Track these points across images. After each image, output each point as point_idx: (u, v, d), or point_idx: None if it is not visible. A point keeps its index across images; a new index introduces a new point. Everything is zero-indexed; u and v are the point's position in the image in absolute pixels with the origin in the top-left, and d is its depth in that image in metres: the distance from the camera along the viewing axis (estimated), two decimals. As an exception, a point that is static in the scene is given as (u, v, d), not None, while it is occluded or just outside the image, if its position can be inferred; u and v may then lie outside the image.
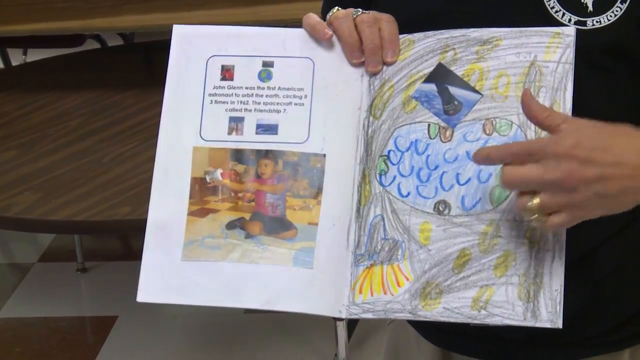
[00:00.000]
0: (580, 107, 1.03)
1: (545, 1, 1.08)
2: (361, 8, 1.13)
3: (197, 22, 2.37)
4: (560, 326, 0.99)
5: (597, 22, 1.07)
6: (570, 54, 1.04)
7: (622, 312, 1.17)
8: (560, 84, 1.03)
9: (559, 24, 1.07)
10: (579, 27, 1.06)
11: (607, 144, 0.93)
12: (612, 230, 1.12)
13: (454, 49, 1.08)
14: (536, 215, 0.95)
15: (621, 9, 1.06)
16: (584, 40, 1.05)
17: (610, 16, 1.06)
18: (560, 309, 0.99)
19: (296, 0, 2.36)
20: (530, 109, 0.97)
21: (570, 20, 1.07)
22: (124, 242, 3.44)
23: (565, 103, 1.03)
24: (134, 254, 3.33)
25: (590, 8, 1.07)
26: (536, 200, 0.94)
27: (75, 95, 2.38)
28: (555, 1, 1.07)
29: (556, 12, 1.08)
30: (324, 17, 1.17)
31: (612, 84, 1.09)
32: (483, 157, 0.98)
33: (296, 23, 1.16)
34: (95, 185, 2.07)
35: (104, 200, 1.99)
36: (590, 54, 1.07)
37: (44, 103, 2.36)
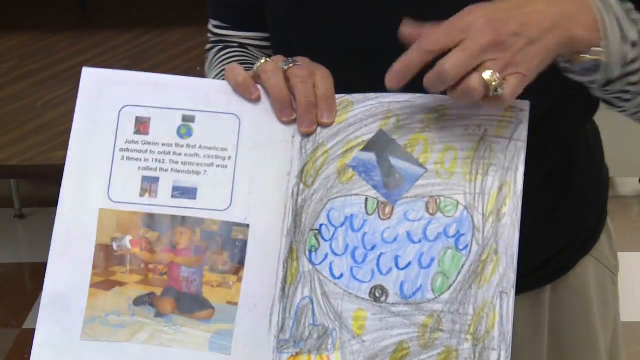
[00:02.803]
0: None
1: None
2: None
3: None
4: None
5: None
6: (523, 131, 0.95)
7: (543, 252, 1.18)
8: (511, 163, 0.95)
9: None
10: None
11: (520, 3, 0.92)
12: (538, 176, 1.09)
13: (397, 115, 0.98)
14: (494, 84, 0.89)
15: None
16: None
17: None
18: None
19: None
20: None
21: None
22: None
23: (516, 185, 0.94)
24: (71, 200, 3.45)
25: None
26: (486, 73, 0.88)
27: (6, 37, 2.34)
28: None
29: None
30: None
31: None
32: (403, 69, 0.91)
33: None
34: (29, 129, 2.05)
35: (38, 145, 1.98)
36: None
37: (-27, 45, 2.37)
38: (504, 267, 0.92)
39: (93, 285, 0.97)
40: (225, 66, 1.18)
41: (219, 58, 1.20)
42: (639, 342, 2.56)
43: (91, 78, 1.01)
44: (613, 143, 2.71)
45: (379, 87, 0.95)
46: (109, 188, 0.98)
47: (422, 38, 0.91)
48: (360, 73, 0.99)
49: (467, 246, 0.93)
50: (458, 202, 0.94)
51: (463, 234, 0.94)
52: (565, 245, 1.22)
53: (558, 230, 1.20)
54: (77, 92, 0.96)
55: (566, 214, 1.20)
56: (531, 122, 0.97)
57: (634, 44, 0.95)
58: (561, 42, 0.91)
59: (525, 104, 0.96)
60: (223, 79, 1.04)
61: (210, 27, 1.24)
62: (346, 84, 1.00)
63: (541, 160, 1.06)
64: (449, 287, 0.93)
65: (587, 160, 1.22)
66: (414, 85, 0.95)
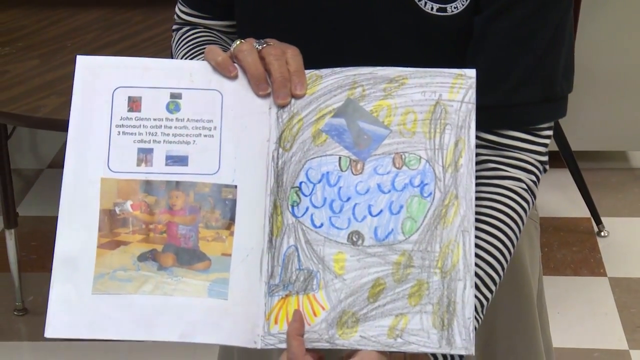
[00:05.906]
0: None
1: None
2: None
3: None
4: (473, 353, 1.04)
5: (455, 7, 1.16)
6: (472, 95, 1.10)
7: None
8: (464, 122, 1.09)
9: (422, 11, 1.16)
10: (442, 13, 1.15)
11: None
12: None
13: (362, 85, 1.12)
14: None
15: None
16: (447, 26, 1.15)
17: (463, 2, 1.16)
18: (472, 336, 1.04)
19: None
20: None
21: (432, 8, 1.16)
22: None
23: (469, 140, 1.09)
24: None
25: None
26: None
27: (86, 12, 2.51)
28: None
29: (419, 0, 1.16)
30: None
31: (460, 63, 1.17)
32: None
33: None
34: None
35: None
36: (452, 38, 1.16)
37: (59, 18, 2.48)
38: (464, 210, 1.07)
39: (100, 246, 1.08)
40: (193, 43, 1.30)
41: (187, 37, 1.32)
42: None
43: (85, 64, 1.13)
44: (626, 119, 3.04)
45: (340, 63, 1.11)
46: (108, 160, 1.10)
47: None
48: (327, 49, 1.13)
49: (430, 194, 1.08)
50: (420, 157, 1.09)
51: (427, 184, 1.08)
52: None
53: None
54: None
55: None
56: None
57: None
58: None
59: (472, 72, 1.11)
60: (201, 59, 1.16)
61: (177, 11, 1.36)
62: (312, 60, 1.14)
63: None
64: (417, 230, 1.07)
65: None
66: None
